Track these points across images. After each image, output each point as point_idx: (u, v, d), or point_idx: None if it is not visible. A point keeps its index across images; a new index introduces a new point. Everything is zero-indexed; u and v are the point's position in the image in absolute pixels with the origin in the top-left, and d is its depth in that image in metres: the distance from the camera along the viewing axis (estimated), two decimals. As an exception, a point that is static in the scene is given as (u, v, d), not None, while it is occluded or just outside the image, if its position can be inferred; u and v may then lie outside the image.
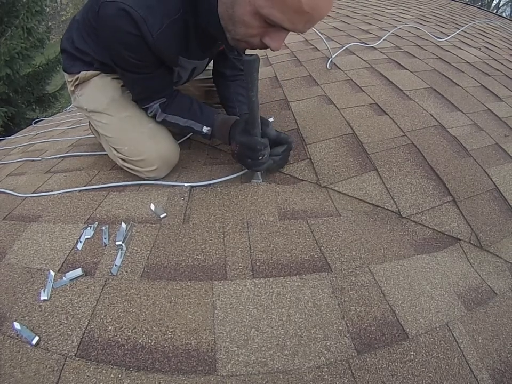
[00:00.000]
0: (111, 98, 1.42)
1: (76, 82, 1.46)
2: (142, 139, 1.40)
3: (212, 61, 1.58)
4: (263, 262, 1.03)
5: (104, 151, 1.58)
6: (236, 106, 1.53)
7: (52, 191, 1.48)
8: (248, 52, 1.22)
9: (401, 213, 1.23)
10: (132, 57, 1.13)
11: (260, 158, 1.25)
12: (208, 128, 1.37)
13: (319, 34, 2.27)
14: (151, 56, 1.14)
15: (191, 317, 0.88)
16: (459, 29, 3.28)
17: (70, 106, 4.58)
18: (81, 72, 1.43)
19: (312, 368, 0.79)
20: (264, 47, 1.03)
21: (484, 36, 3.51)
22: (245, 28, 0.97)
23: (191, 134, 1.71)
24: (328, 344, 0.83)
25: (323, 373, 0.78)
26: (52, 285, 0.98)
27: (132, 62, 1.15)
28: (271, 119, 1.73)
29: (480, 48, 2.91)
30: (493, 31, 3.87)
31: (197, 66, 1.38)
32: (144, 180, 1.45)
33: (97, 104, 1.43)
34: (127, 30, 1.04)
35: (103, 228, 1.17)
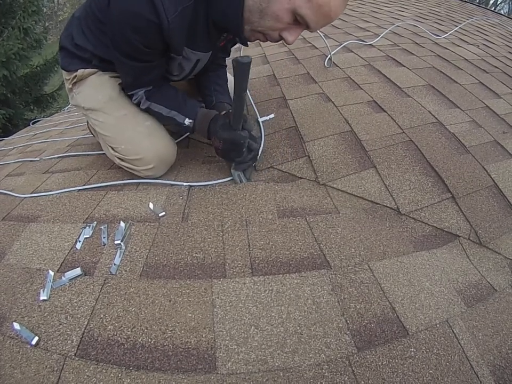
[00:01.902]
0: (108, 97, 1.42)
1: (74, 80, 1.46)
2: (138, 138, 1.39)
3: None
4: (262, 259, 1.02)
5: (103, 150, 1.58)
6: (213, 95, 1.58)
7: (50, 191, 1.47)
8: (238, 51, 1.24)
9: (400, 210, 1.23)
10: (140, 42, 1.10)
11: (244, 150, 1.30)
12: (190, 120, 1.36)
13: (318, 32, 2.26)
14: (160, 43, 1.12)
15: (190, 315, 0.88)
16: (457, 26, 3.29)
17: (68, 106, 4.59)
18: (79, 70, 1.42)
19: (312, 366, 0.78)
20: (278, 40, 1.15)
21: (481, 33, 3.51)
22: (274, 21, 1.07)
23: (188, 133, 1.70)
24: (328, 341, 0.83)
25: (323, 371, 0.78)
26: (51, 285, 0.98)
27: (138, 48, 1.13)
28: (271, 116, 1.74)
29: (478, 46, 2.91)
30: (490, 28, 3.88)
31: (200, 58, 1.37)
32: (143, 178, 1.44)
33: (94, 102, 1.43)
34: (143, 12, 1.02)
35: (102, 227, 1.17)
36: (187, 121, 1.36)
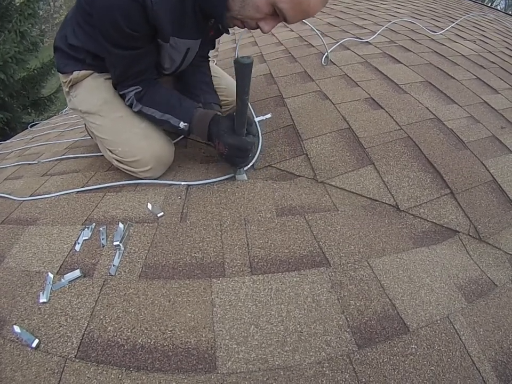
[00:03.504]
0: (104, 100, 1.42)
1: (70, 83, 1.46)
2: (135, 139, 1.39)
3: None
4: (261, 258, 1.02)
5: (101, 152, 1.58)
6: (200, 95, 1.57)
7: (49, 193, 1.47)
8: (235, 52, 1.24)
9: (399, 206, 1.23)
10: (126, 26, 1.09)
11: (250, 155, 1.30)
12: (186, 123, 1.34)
13: (315, 30, 2.26)
14: (145, 25, 1.11)
15: (190, 315, 0.88)
16: (454, 23, 3.29)
17: (66, 109, 4.58)
18: (74, 72, 1.42)
19: (313, 364, 0.78)
20: (255, 28, 1.19)
21: (478, 29, 3.51)
22: (254, 11, 1.11)
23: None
24: (329, 339, 0.83)
25: (324, 369, 0.78)
26: (51, 287, 0.98)
27: (124, 33, 1.11)
28: (268, 115, 1.73)
29: (475, 41, 2.91)
30: (487, 24, 3.87)
31: (191, 47, 1.36)
32: (141, 179, 1.44)
33: (91, 105, 1.43)
34: None
35: (101, 228, 1.17)
36: (182, 125, 1.34)
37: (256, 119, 1.69)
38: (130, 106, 1.39)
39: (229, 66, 1.74)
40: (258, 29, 1.20)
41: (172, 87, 1.72)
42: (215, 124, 1.29)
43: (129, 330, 0.86)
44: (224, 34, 1.49)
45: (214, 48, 1.67)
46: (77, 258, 1.09)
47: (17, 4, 7.32)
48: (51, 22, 21.28)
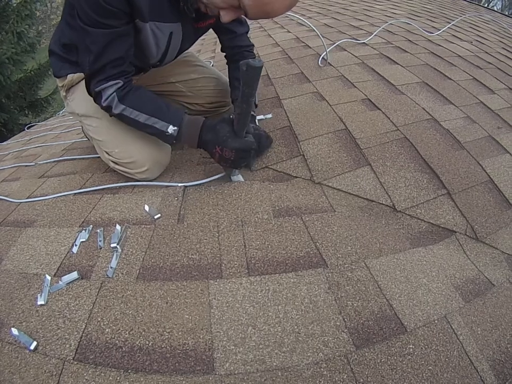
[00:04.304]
0: None
1: (66, 87, 1.46)
2: (131, 141, 1.39)
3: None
4: (258, 259, 1.02)
5: (98, 154, 1.58)
6: (232, 91, 1.60)
7: (46, 195, 1.47)
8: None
9: (395, 207, 1.23)
10: (104, 0, 1.05)
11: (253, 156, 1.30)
12: (175, 128, 1.25)
13: (316, 30, 2.26)
14: (124, 0, 1.08)
15: (187, 316, 0.88)
16: (450, 23, 3.29)
17: (63, 110, 4.57)
18: (68, 76, 1.43)
19: (311, 365, 0.78)
20: (216, 15, 1.18)
21: (475, 29, 3.52)
22: (220, 0, 1.11)
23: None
24: (326, 340, 0.83)
25: (322, 369, 0.78)
26: (49, 289, 0.98)
27: (100, 6, 1.06)
28: (269, 115, 1.73)
29: (471, 42, 2.92)
30: (484, 25, 3.88)
31: (173, 31, 1.32)
32: (138, 181, 1.44)
33: (87, 108, 1.43)
34: None
35: (98, 230, 1.17)
36: (171, 129, 1.25)
37: (257, 118, 1.69)
38: (109, 109, 1.27)
39: (226, 67, 1.74)
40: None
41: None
42: (210, 131, 1.25)
43: (127, 332, 0.86)
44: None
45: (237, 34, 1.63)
46: (74, 261, 1.09)
47: (14, 5, 7.30)
48: (48, 23, 21.28)
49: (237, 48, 1.63)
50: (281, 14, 1.14)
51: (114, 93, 1.23)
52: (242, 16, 1.15)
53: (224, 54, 1.72)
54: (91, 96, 1.29)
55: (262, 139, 1.39)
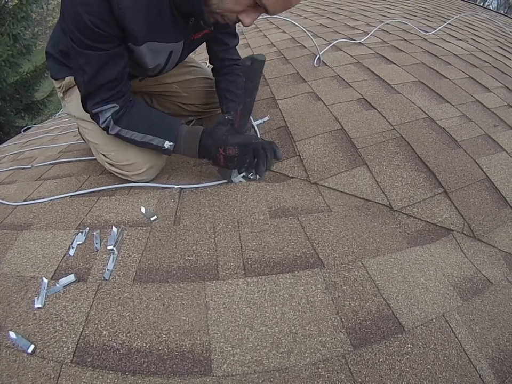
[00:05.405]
0: None
1: (63, 89, 1.46)
2: (127, 144, 1.38)
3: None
4: (255, 260, 1.02)
5: (94, 156, 1.58)
6: (223, 104, 1.53)
7: (42, 198, 1.46)
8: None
9: (392, 206, 1.23)
10: (91, 22, 1.01)
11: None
12: (171, 143, 1.27)
13: (306, 31, 2.27)
14: (113, 25, 1.05)
15: (184, 318, 0.88)
16: (446, 22, 3.30)
17: (59, 112, 4.57)
18: (66, 78, 1.42)
19: (309, 365, 0.78)
20: (236, 22, 1.12)
21: (470, 28, 3.53)
22: (233, 4, 1.05)
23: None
24: (324, 340, 0.83)
25: (320, 370, 0.78)
26: (46, 292, 0.98)
27: (91, 30, 1.03)
28: (266, 118, 1.74)
29: (467, 41, 2.92)
30: (480, 24, 3.90)
31: (173, 50, 1.30)
32: (134, 182, 1.44)
33: (84, 112, 1.42)
34: None
35: (95, 233, 1.17)
36: (167, 145, 1.27)
37: (255, 123, 1.69)
38: (106, 129, 1.29)
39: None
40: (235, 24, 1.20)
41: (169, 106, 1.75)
42: (209, 136, 1.25)
43: (124, 334, 0.86)
44: None
45: (230, 45, 1.57)
46: (71, 263, 1.08)
47: (10, 7, 7.28)
48: (44, 25, 21.23)
49: (227, 61, 1.59)
50: (299, 2, 1.08)
51: (110, 117, 1.24)
52: (238, 27, 1.13)
53: (213, 66, 1.65)
54: (87, 113, 1.29)
55: (265, 144, 1.34)
